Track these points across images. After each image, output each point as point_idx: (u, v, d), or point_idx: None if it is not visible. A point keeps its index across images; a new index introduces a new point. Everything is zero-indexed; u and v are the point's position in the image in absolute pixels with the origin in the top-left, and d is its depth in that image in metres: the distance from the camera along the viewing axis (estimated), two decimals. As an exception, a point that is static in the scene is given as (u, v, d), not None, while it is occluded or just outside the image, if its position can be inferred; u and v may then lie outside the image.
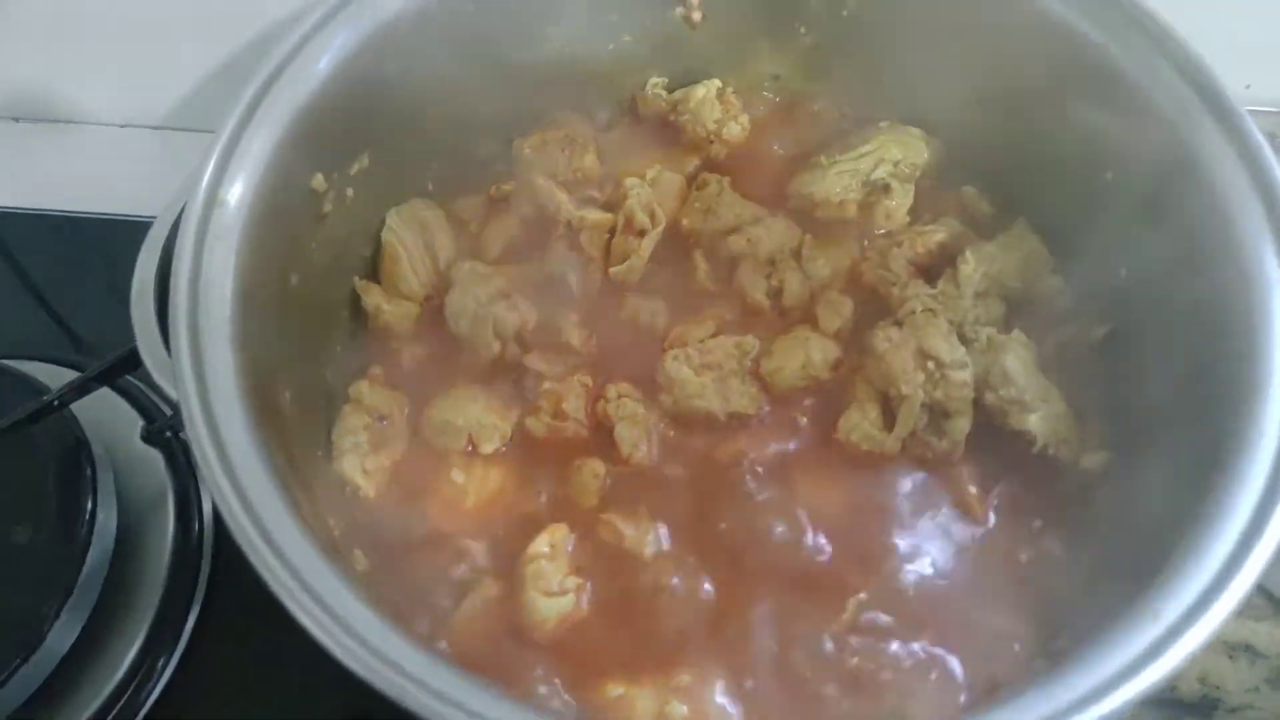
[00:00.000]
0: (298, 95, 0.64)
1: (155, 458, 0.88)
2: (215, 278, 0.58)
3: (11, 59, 1.06)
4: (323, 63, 0.65)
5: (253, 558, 0.50)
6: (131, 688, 0.77)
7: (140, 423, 0.90)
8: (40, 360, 0.94)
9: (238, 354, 0.57)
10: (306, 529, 0.52)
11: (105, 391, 0.90)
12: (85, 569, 0.76)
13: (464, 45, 0.74)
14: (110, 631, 0.77)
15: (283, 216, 0.65)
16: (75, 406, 0.82)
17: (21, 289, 1.07)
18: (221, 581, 0.84)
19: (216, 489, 0.50)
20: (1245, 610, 0.80)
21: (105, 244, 1.08)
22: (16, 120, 1.15)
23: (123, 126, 1.14)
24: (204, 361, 0.54)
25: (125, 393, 0.92)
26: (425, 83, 0.74)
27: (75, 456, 0.80)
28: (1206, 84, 0.64)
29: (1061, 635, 0.60)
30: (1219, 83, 0.63)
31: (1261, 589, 0.81)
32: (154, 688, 0.78)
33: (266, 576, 0.49)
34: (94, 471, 0.80)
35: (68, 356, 0.95)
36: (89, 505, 0.78)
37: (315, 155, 0.67)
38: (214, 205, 0.59)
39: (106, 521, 0.80)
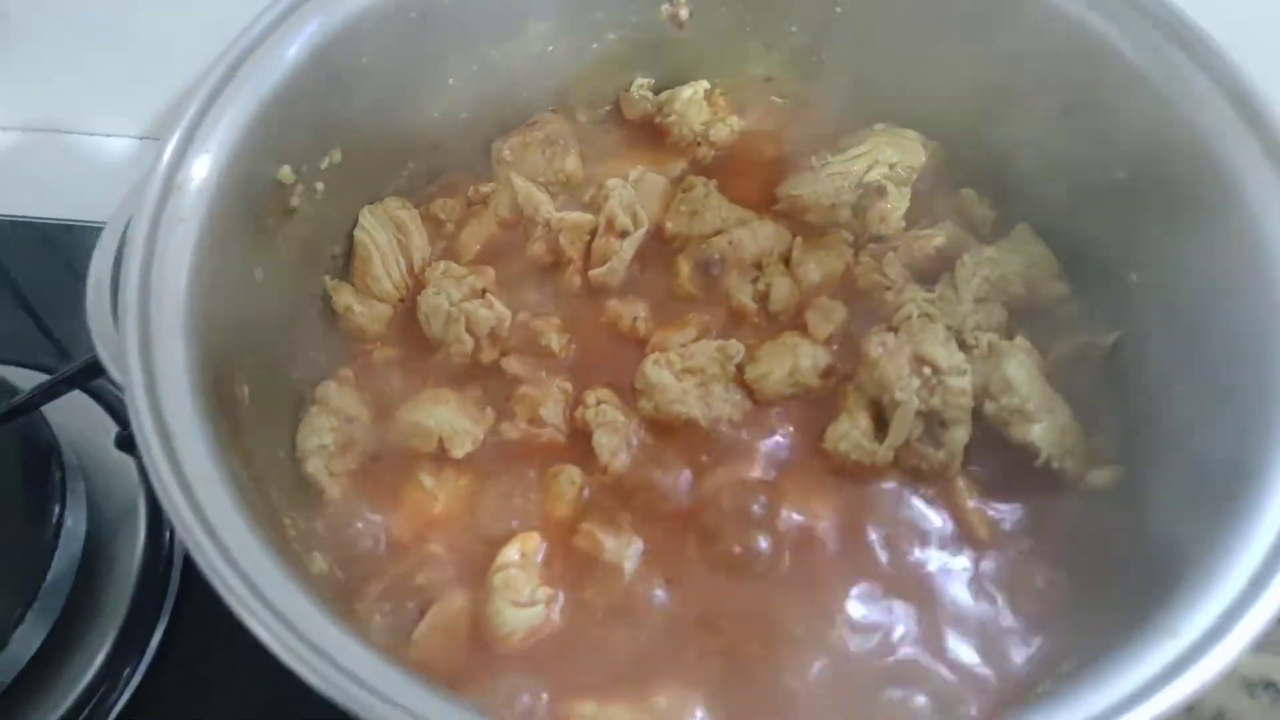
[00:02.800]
0: (264, 82, 0.61)
1: (128, 465, 0.87)
2: (170, 263, 0.55)
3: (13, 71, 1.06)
4: (292, 50, 0.62)
5: (197, 556, 0.46)
6: (96, 697, 0.76)
7: (115, 429, 0.88)
8: (18, 365, 0.94)
9: (191, 343, 0.54)
10: (258, 526, 0.49)
11: (81, 397, 0.90)
12: (51, 575, 0.75)
13: (441, 40, 0.72)
14: (76, 640, 0.76)
15: (247, 206, 0.62)
16: (50, 411, 0.82)
17: (7, 295, 1.06)
18: (190, 593, 0.82)
19: (158, 478, 0.47)
20: (1267, 645, 0.77)
21: (85, 252, 1.07)
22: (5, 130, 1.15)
23: (107, 136, 1.13)
24: (153, 348, 0.51)
25: (101, 398, 0.91)
26: (401, 77, 0.72)
27: (45, 461, 0.79)
28: (1236, 85, 0.61)
29: (1068, 658, 0.57)
30: (1253, 84, 0.60)
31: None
32: (119, 698, 0.77)
33: (210, 574, 0.45)
34: (63, 477, 0.79)
35: (47, 362, 0.94)
36: (57, 510, 0.77)
37: (283, 146, 0.65)
38: (172, 189, 0.56)
39: (75, 527, 0.79)
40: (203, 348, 0.55)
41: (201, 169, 0.58)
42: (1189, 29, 0.63)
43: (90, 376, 0.83)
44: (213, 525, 0.47)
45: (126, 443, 0.87)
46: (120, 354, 0.50)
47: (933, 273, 0.74)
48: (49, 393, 0.82)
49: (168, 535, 0.85)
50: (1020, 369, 0.66)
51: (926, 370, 0.66)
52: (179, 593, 0.82)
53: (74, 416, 0.88)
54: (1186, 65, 0.63)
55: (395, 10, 0.67)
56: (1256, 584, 0.48)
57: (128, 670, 0.78)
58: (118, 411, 0.91)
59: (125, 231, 0.57)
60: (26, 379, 0.89)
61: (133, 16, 0.96)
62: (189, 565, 0.84)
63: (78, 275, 1.06)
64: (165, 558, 0.84)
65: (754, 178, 0.81)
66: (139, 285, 0.53)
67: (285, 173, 0.66)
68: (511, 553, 0.63)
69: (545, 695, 0.60)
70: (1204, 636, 0.46)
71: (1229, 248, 0.60)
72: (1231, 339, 0.59)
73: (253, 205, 0.63)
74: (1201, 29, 0.63)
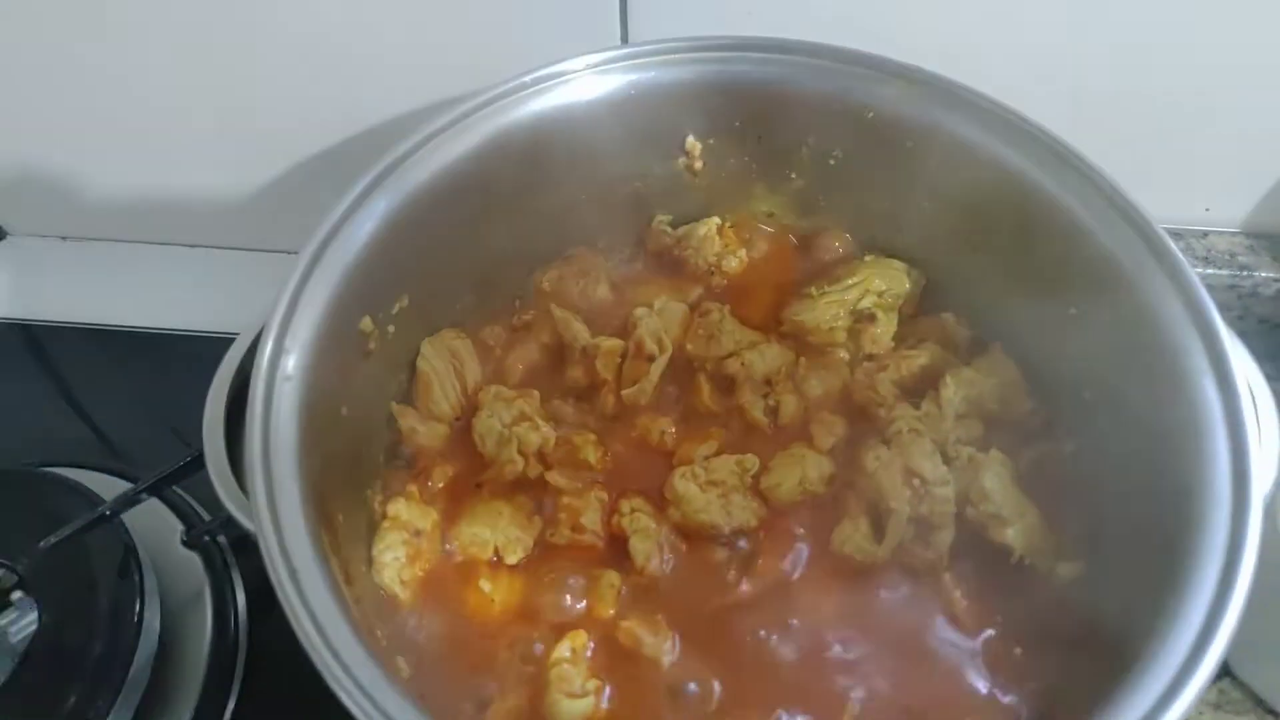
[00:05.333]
0: (346, 255, 0.71)
1: (193, 560, 0.96)
2: (284, 418, 0.65)
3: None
4: (367, 225, 0.73)
5: (335, 686, 0.56)
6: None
7: (178, 526, 0.98)
8: (86, 468, 1.02)
9: (302, 485, 0.64)
10: (364, 642, 0.59)
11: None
12: (133, 670, 0.82)
13: (492, 197, 0.83)
14: (155, 725, 0.83)
15: (338, 357, 0.72)
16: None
17: (63, 400, 1.15)
18: (257, 673, 0.91)
19: (292, 612, 0.57)
20: (1225, 705, 0.87)
21: (137, 356, 1.18)
22: (64, 239, 1.24)
23: (163, 245, 1.23)
24: (276, 498, 0.61)
25: (167, 500, 1.00)
26: (458, 230, 0.82)
27: (125, 562, 0.87)
28: (1153, 234, 0.72)
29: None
30: (1164, 237, 0.71)
31: (1242, 684, 0.88)
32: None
33: (337, 689, 0.55)
34: (141, 576, 0.87)
35: (111, 465, 1.04)
36: (136, 608, 0.85)
37: (364, 302, 0.75)
38: (281, 353, 0.67)
39: (151, 621, 0.86)
40: (311, 487, 0.65)
41: (302, 331, 0.69)
42: (1127, 201, 0.73)
43: (167, 485, 0.93)
44: (341, 657, 0.56)
45: (193, 541, 0.97)
46: (253, 506, 0.60)
47: (919, 388, 0.85)
48: (131, 501, 0.91)
49: (233, 622, 0.94)
50: (995, 479, 0.77)
51: (916, 481, 0.77)
52: (245, 673, 0.91)
53: (143, 516, 0.95)
54: (1125, 230, 0.73)
55: (456, 180, 0.77)
56: (1195, 655, 0.58)
57: (205, 752, 0.86)
58: (181, 511, 1.00)
59: (231, 388, 0.68)
60: (95, 481, 0.99)
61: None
62: (254, 647, 0.93)
63: (130, 378, 1.17)
64: (231, 642, 0.93)
65: (761, 302, 0.92)
66: (261, 441, 0.63)
67: (366, 323, 0.76)
68: (564, 650, 0.73)
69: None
70: (1158, 701, 0.57)
71: (1153, 374, 0.70)
72: (1162, 441, 0.69)
73: (341, 355, 0.73)
74: (1138, 203, 0.73)
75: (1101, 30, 0.91)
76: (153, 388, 1.17)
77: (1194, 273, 0.69)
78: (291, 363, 0.67)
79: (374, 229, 0.73)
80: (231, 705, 0.90)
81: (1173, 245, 0.71)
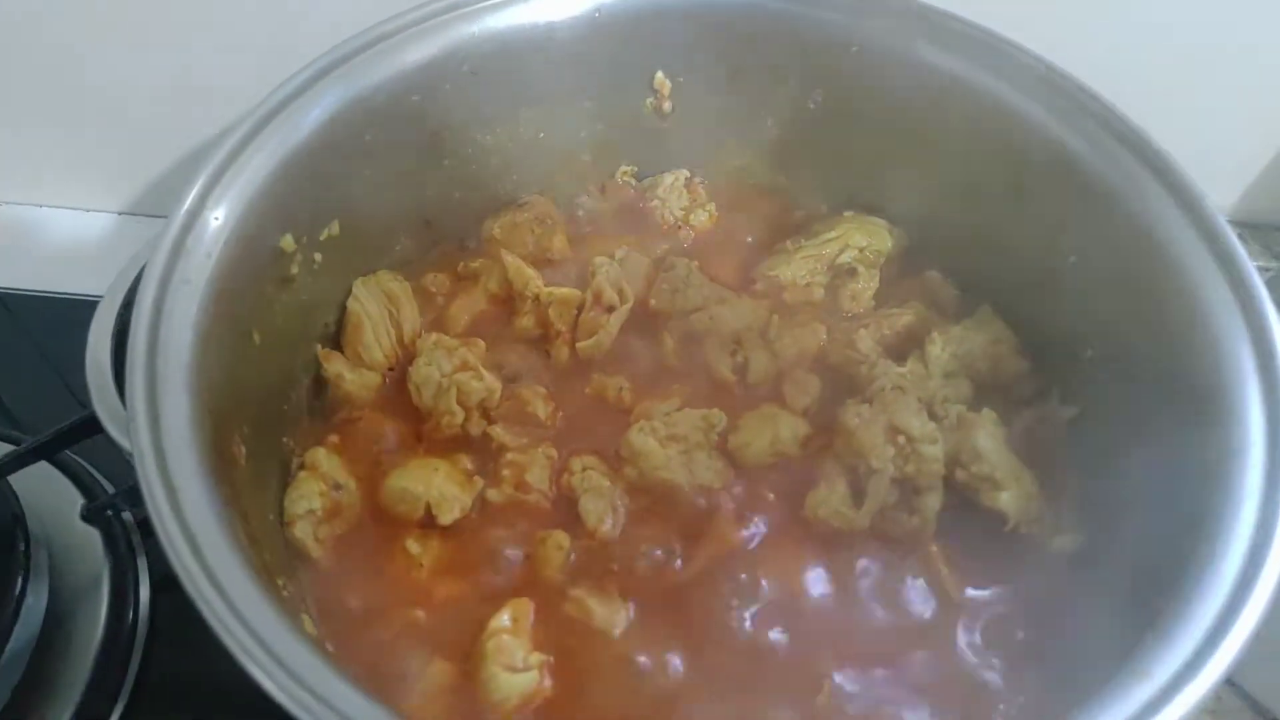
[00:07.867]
0: (277, 152, 0.64)
1: (94, 539, 0.85)
2: (177, 322, 0.56)
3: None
4: (306, 122, 0.65)
5: (203, 608, 0.46)
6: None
7: (81, 501, 0.87)
8: (-20, 436, 0.92)
9: (194, 401, 0.55)
10: (258, 580, 0.49)
11: (46, 468, 0.89)
12: (6, 654, 0.73)
13: (439, 122, 0.76)
14: (26, 721, 0.72)
15: (250, 271, 0.64)
16: (15, 481, 0.80)
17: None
18: (154, 669, 0.80)
19: (164, 530, 0.47)
20: (1222, 711, 0.80)
21: (49, 323, 1.08)
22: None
23: (87, 211, 1.14)
24: (160, 406, 0.52)
25: (67, 469, 0.90)
26: (399, 156, 0.75)
27: (10, 531, 0.78)
28: (1165, 168, 0.67)
29: (1050, 710, 0.58)
30: (1179, 168, 0.66)
31: (1238, 688, 0.80)
32: (70, 787, 0.73)
33: (215, 625, 0.45)
34: (28, 548, 0.78)
35: (6, 431, 0.93)
36: (18, 585, 0.75)
37: (287, 215, 0.67)
38: (181, 252, 0.58)
39: (35, 603, 0.78)
40: (204, 406, 0.56)
41: (210, 233, 0.60)
42: (1130, 128, 0.69)
43: (62, 445, 0.83)
44: (220, 582, 0.47)
45: (93, 515, 0.86)
46: (128, 408, 0.51)
47: (900, 350, 0.78)
48: (18, 462, 0.81)
49: (131, 613, 0.83)
50: (989, 439, 0.70)
51: (901, 439, 0.69)
52: (139, 675, 0.80)
53: (39, 488, 0.86)
54: (1130, 161, 0.68)
55: (402, 94, 0.70)
56: (1218, 630, 0.51)
57: (82, 756, 0.75)
58: (84, 483, 0.90)
59: (129, 294, 0.59)
60: (-14, 447, 0.88)
61: (114, 92, 0.99)
62: (151, 646, 0.82)
63: (37, 346, 1.07)
64: (127, 637, 0.82)
65: (732, 259, 0.85)
66: (147, 341, 0.54)
67: (287, 241, 0.68)
68: (503, 618, 0.64)
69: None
70: (1174, 677, 0.49)
71: (1172, 322, 0.64)
72: (1178, 398, 0.63)
73: (255, 270, 0.65)
74: (1142, 129, 0.69)
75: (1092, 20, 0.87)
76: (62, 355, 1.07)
77: (1208, 199, 0.63)
78: (194, 264, 0.58)
79: (312, 129, 0.66)
80: (122, 705, 0.79)
81: (1181, 168, 0.65)
